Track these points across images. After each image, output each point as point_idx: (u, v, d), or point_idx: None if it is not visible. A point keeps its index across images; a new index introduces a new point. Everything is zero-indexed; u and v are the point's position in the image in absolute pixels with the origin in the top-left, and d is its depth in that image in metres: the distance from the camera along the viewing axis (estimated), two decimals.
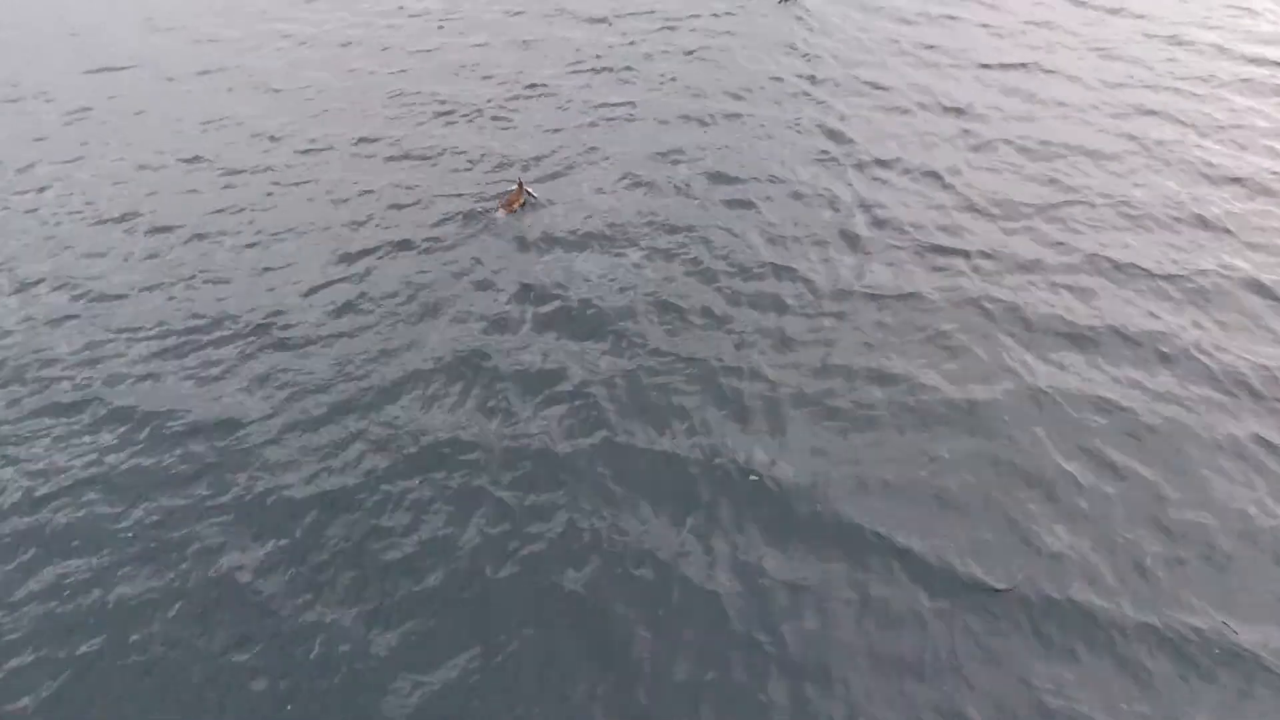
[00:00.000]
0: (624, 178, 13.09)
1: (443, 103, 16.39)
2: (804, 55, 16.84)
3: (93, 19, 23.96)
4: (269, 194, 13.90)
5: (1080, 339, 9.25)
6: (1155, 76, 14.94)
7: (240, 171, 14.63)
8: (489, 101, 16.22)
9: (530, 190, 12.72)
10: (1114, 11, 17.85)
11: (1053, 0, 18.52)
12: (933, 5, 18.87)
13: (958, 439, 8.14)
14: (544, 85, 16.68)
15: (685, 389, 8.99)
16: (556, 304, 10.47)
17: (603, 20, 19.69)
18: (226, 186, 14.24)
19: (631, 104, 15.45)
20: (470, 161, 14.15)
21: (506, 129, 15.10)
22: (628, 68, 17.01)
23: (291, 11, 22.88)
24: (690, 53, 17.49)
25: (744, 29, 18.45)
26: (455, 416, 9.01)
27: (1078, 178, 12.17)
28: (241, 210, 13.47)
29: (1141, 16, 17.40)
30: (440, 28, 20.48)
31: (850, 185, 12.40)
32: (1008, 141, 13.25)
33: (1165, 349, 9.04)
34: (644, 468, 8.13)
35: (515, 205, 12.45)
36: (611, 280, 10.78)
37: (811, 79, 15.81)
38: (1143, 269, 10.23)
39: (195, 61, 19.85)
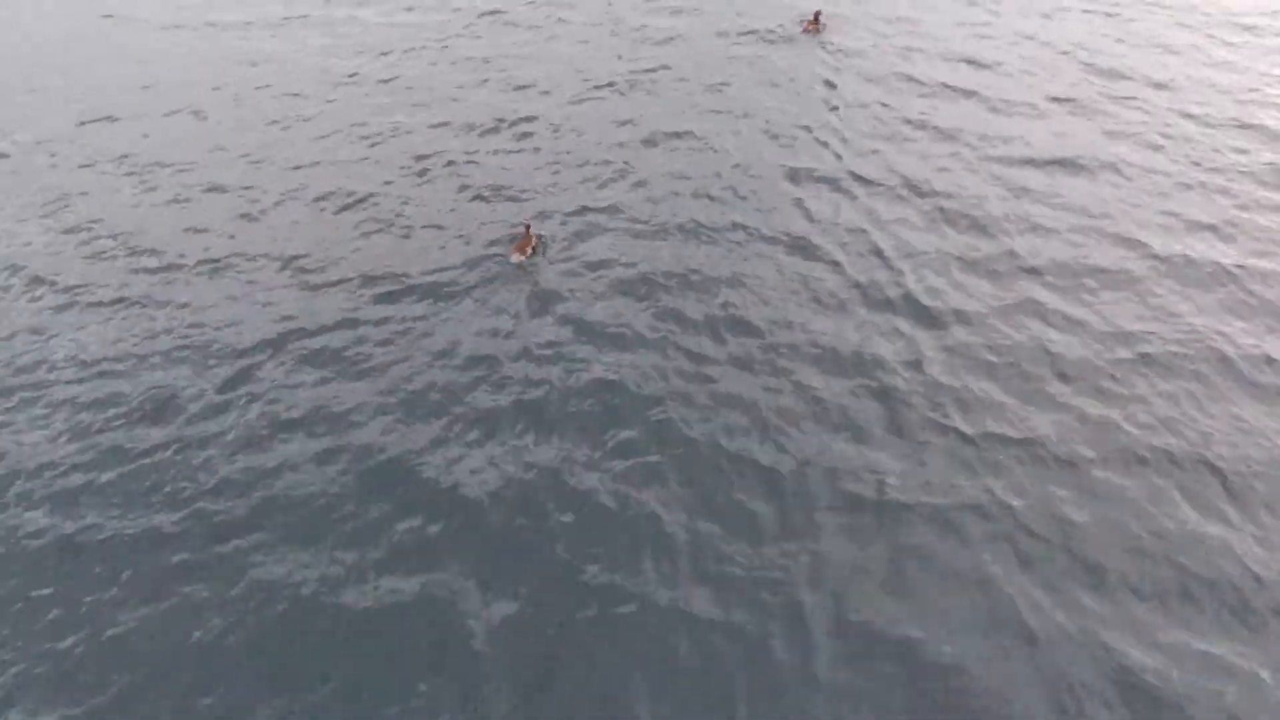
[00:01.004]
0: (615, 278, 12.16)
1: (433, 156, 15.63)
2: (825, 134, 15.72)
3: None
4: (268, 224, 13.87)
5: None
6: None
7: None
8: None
9: (539, 234, 12.97)
10: (1159, 86, 16.80)
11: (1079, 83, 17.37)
12: (954, 69, 18.02)
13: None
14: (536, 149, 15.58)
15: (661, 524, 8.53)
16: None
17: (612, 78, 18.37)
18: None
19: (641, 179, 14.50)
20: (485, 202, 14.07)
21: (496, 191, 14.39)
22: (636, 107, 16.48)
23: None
24: (720, 83, 16.94)
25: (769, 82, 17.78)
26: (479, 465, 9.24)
27: (1115, 321, 10.95)
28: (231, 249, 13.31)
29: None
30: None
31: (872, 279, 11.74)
32: (1034, 266, 12.04)
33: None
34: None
35: (528, 249, 12.49)
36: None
37: (831, 179, 14.39)
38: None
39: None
